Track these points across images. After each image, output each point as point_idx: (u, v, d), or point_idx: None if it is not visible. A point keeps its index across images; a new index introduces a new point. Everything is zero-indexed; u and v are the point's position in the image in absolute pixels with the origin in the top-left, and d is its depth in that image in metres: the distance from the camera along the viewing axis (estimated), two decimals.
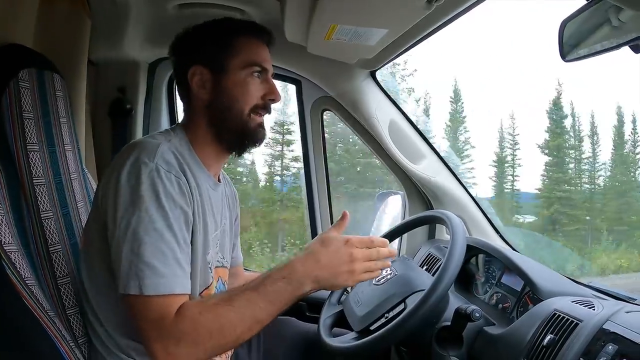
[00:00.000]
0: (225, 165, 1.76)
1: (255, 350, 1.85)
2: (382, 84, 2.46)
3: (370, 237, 1.49)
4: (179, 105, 2.38)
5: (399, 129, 2.44)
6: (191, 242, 1.42)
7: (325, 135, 2.67)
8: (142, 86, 2.52)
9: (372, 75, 2.42)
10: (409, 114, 2.48)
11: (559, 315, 1.40)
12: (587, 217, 23.76)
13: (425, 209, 2.60)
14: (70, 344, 1.33)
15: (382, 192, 2.87)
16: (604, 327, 1.28)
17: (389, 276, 1.71)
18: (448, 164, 2.49)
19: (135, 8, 2.08)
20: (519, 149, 25.24)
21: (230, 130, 1.56)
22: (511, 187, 25.12)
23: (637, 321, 1.23)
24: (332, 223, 2.70)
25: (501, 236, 2.44)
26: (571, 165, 25.41)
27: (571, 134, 25.72)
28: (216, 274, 1.62)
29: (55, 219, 1.55)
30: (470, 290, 2.05)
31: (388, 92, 2.46)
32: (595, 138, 25.22)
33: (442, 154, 2.50)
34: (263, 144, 1.66)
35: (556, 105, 25.97)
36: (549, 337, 1.35)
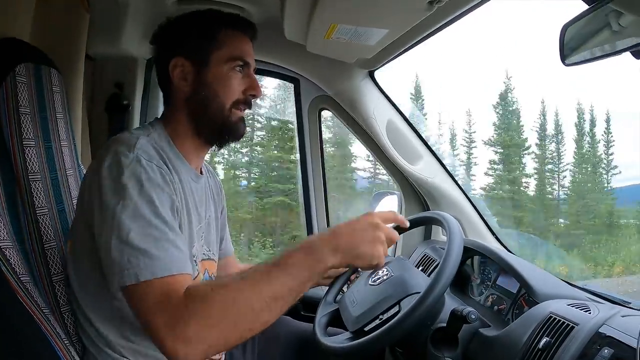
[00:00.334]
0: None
1: (250, 350, 1.85)
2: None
3: (393, 213, 1.53)
4: None
5: (396, 129, 2.45)
6: None
7: None
8: (140, 82, 2.52)
9: (371, 75, 2.42)
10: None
11: (555, 318, 1.40)
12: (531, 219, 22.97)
13: (422, 210, 2.61)
14: (65, 342, 1.32)
15: (379, 192, 2.87)
16: (600, 330, 1.28)
17: (384, 277, 1.71)
18: (445, 165, 2.48)
19: (133, 4, 2.07)
20: (475, 147, 24.01)
21: (210, 124, 1.54)
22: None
23: (633, 325, 1.22)
24: (327, 221, 2.71)
25: (497, 238, 2.44)
26: (527, 165, 24.27)
27: (524, 131, 24.69)
28: (202, 266, 1.61)
29: (50, 215, 1.54)
30: (466, 292, 2.05)
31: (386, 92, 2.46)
32: (560, 137, 24.35)
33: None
34: None
35: (503, 99, 24.69)
36: (544, 340, 1.35)
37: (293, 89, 2.65)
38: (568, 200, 23.59)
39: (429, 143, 2.49)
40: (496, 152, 23.58)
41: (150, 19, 2.20)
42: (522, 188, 23.52)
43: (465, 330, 1.58)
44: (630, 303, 1.60)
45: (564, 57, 1.25)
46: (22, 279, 1.29)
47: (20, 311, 1.25)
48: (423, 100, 24.63)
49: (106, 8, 2.10)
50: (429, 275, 1.72)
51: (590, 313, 1.38)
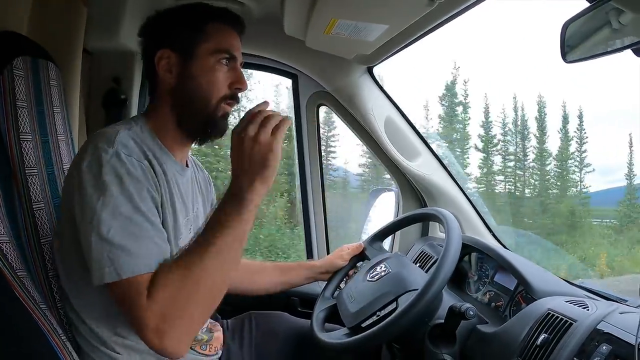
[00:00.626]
0: None
1: (247, 345, 1.84)
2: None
3: (246, 114, 1.40)
4: None
5: (395, 125, 2.45)
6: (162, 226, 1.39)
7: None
8: (137, 77, 2.50)
9: (370, 71, 2.42)
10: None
11: (553, 315, 1.41)
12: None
13: (419, 207, 2.61)
14: (62, 337, 1.32)
15: (376, 188, 2.87)
16: (598, 327, 1.28)
17: (383, 273, 1.71)
18: (443, 162, 2.49)
19: None
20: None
21: (194, 117, 1.52)
22: None
23: (631, 322, 1.23)
24: (325, 216, 2.72)
25: (494, 235, 2.44)
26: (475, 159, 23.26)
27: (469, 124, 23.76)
28: None
29: (46, 210, 1.54)
30: (463, 289, 2.05)
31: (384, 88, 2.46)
32: (514, 130, 23.70)
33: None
34: None
35: (449, 90, 23.82)
36: (542, 336, 1.36)
37: (291, 85, 2.64)
38: (527, 199, 23.26)
39: (426, 139, 2.49)
40: (440, 146, 22.12)
41: (148, 13, 2.19)
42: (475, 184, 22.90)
43: (462, 327, 1.58)
44: (627, 301, 1.61)
45: (564, 54, 1.25)
46: (18, 274, 1.29)
47: (17, 306, 1.24)
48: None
49: (104, 2, 2.09)
50: (426, 272, 1.72)
51: (588, 310, 1.39)
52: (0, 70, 1.47)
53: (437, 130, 23.54)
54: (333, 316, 1.82)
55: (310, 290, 2.36)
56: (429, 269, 1.58)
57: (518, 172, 23.50)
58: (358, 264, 2.07)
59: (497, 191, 23.31)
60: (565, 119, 24.00)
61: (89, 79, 2.43)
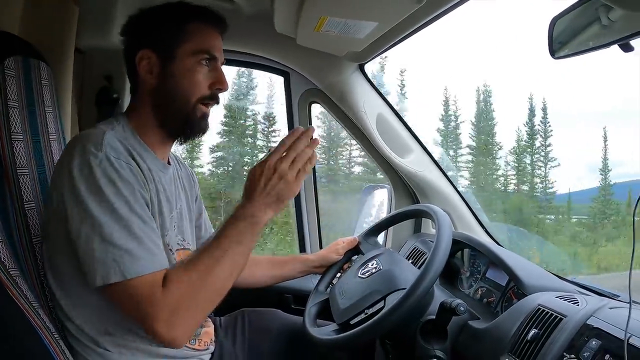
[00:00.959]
0: None
1: (240, 342, 1.84)
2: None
3: (280, 143, 1.46)
4: None
5: (386, 122, 2.45)
6: None
7: None
8: None
9: (361, 68, 2.42)
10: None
11: (543, 310, 1.41)
12: None
13: (411, 203, 2.61)
14: (55, 335, 1.32)
15: (369, 185, 2.88)
16: (587, 322, 1.29)
17: (374, 270, 1.72)
18: (435, 158, 2.49)
19: None
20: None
21: (174, 118, 1.53)
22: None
23: (620, 317, 1.24)
24: (318, 214, 2.72)
25: (486, 231, 2.45)
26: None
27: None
28: (178, 256, 1.61)
29: (38, 210, 1.53)
30: (455, 285, 2.06)
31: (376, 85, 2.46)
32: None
33: None
34: None
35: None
36: (533, 331, 1.37)
37: (283, 82, 2.64)
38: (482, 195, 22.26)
39: (418, 136, 2.50)
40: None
41: None
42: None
43: (454, 323, 1.59)
44: (619, 296, 1.62)
45: (552, 50, 1.26)
46: (11, 272, 1.29)
47: (10, 305, 1.24)
48: None
49: (96, 1, 2.09)
50: (419, 268, 1.73)
51: (578, 305, 1.40)
52: None
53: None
54: (326, 311, 1.82)
55: (304, 287, 2.36)
56: (421, 266, 1.58)
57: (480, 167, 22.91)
58: (353, 258, 2.07)
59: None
60: (532, 112, 23.39)
61: (81, 78, 2.44)
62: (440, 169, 2.50)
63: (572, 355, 1.24)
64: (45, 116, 1.64)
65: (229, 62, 2.57)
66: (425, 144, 2.50)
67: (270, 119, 17.49)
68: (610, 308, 1.36)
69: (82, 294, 1.40)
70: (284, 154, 1.44)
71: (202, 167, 16.82)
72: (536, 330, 1.36)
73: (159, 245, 1.37)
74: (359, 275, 1.74)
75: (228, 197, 15.21)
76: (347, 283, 1.78)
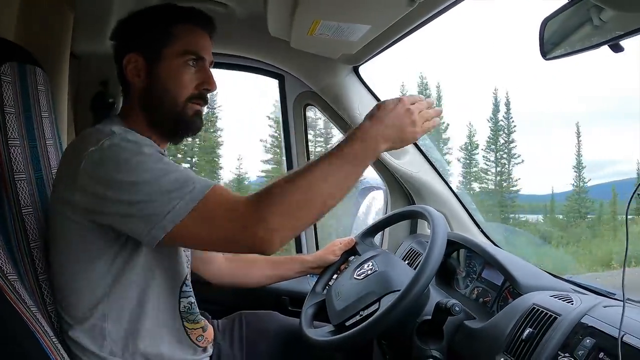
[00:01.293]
0: None
1: (238, 344, 1.85)
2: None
3: (417, 96, 1.53)
4: None
5: None
6: None
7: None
8: None
9: (355, 70, 2.43)
10: None
11: (538, 310, 1.42)
12: None
13: (407, 204, 2.61)
14: (53, 339, 1.32)
15: (365, 187, 2.88)
16: (581, 321, 1.30)
17: (369, 272, 1.73)
18: (430, 159, 2.50)
19: (118, 1, 2.06)
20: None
21: (165, 119, 1.54)
22: None
23: (614, 315, 1.24)
24: None
25: (482, 231, 2.46)
26: None
27: None
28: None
29: (35, 214, 1.53)
30: (452, 285, 2.06)
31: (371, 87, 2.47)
32: None
33: None
34: None
35: None
36: (527, 331, 1.37)
37: (278, 85, 2.65)
38: None
39: None
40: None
41: None
42: None
43: (450, 323, 1.60)
44: (615, 294, 1.62)
45: (544, 52, 1.26)
46: (9, 277, 1.29)
47: (8, 309, 1.25)
48: None
49: (91, 5, 2.09)
50: (415, 269, 1.74)
51: (572, 304, 1.40)
52: None
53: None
54: (322, 312, 1.83)
55: (301, 289, 2.36)
56: (417, 267, 1.59)
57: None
58: (350, 259, 2.08)
59: None
60: (496, 107, 23.40)
61: (77, 83, 2.44)
62: (436, 170, 2.50)
63: (567, 354, 1.24)
64: (42, 121, 1.64)
65: (224, 66, 2.59)
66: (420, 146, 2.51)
67: None
68: (605, 306, 1.37)
69: (87, 302, 1.42)
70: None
71: None
72: (531, 330, 1.37)
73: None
74: (355, 276, 1.75)
75: None
76: (343, 284, 1.78)
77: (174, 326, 1.56)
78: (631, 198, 1.21)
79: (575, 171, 22.22)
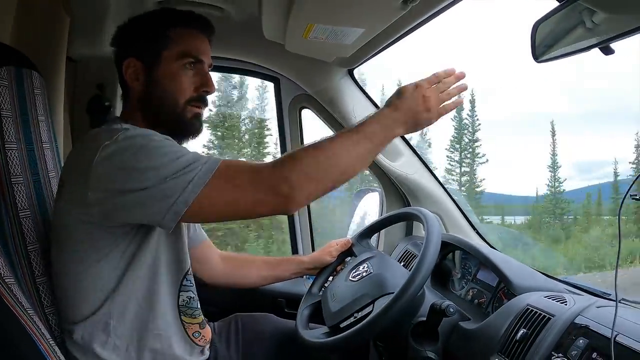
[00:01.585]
0: None
1: (234, 347, 1.85)
2: None
3: (434, 74, 1.55)
4: None
5: None
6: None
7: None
8: None
9: (350, 73, 2.44)
10: None
11: (532, 310, 1.43)
12: None
13: (402, 206, 2.62)
14: (50, 342, 1.33)
15: (361, 189, 2.89)
16: (575, 321, 1.31)
17: (364, 274, 1.73)
18: (425, 161, 2.51)
19: (114, 5, 2.06)
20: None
21: (165, 122, 1.54)
22: None
23: (607, 316, 1.25)
24: (310, 220, 2.73)
25: (478, 233, 2.47)
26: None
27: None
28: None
29: (33, 217, 1.54)
30: (447, 286, 2.07)
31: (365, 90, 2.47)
32: None
33: None
34: None
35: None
36: (521, 331, 1.38)
37: (273, 88, 2.65)
38: None
39: (408, 140, 2.51)
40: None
41: None
42: None
43: (445, 324, 1.61)
44: (609, 294, 1.63)
45: (535, 55, 1.27)
46: (7, 281, 1.29)
47: (5, 312, 1.25)
48: None
49: (87, 9, 2.09)
50: (410, 270, 1.75)
51: (566, 305, 1.41)
52: None
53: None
54: (318, 313, 1.83)
55: (297, 291, 2.37)
56: (412, 268, 1.60)
57: None
58: (346, 259, 2.08)
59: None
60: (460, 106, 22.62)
61: (73, 87, 2.43)
62: (431, 172, 2.51)
63: (560, 354, 1.25)
64: (38, 125, 1.64)
65: (220, 69, 2.60)
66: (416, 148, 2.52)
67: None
68: (598, 307, 1.38)
69: (96, 293, 1.44)
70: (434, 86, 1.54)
71: None
72: (525, 330, 1.38)
73: None
74: (350, 278, 1.76)
75: None
76: (339, 286, 1.79)
77: (171, 318, 1.57)
78: (623, 199, 1.22)
79: (550, 171, 21.93)
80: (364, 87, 2.47)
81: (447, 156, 22.21)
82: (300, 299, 1.97)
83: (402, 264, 2.21)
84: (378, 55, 2.14)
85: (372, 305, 1.59)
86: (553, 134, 22.10)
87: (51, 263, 1.51)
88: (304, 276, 2.17)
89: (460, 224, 2.48)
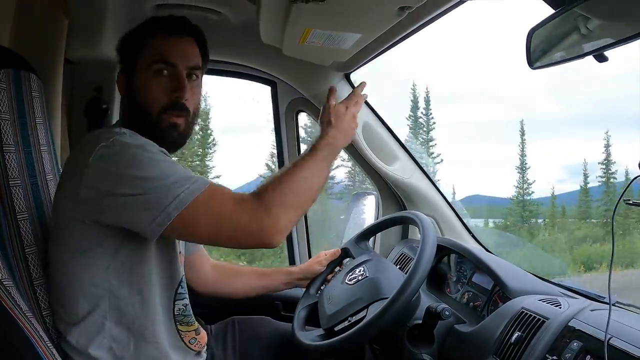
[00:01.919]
0: None
1: (231, 350, 1.86)
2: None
3: (353, 93, 1.80)
4: None
5: (372, 131, 2.46)
6: None
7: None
8: None
9: (347, 77, 2.45)
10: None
11: (526, 313, 1.44)
12: None
13: (399, 210, 2.63)
14: (48, 345, 1.33)
15: (357, 192, 2.90)
16: (569, 324, 1.32)
17: (360, 277, 1.74)
18: (421, 165, 2.52)
19: (113, 7, 2.07)
20: None
21: (145, 131, 1.52)
22: None
23: (601, 319, 1.26)
24: (306, 222, 2.74)
25: (473, 236, 2.48)
26: None
27: None
28: (180, 260, 1.68)
29: (30, 220, 1.54)
30: (443, 289, 2.08)
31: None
32: None
33: None
34: None
35: None
36: (516, 334, 1.40)
37: (270, 92, 2.66)
38: None
39: (404, 144, 2.52)
40: None
41: (129, 23, 2.18)
42: None
43: (441, 327, 1.62)
44: (604, 298, 1.63)
45: (530, 61, 1.28)
46: (4, 283, 1.29)
47: (3, 314, 1.25)
48: None
49: (86, 12, 2.09)
50: (406, 273, 1.76)
51: (560, 308, 1.43)
52: None
53: None
54: (315, 315, 1.84)
55: (294, 294, 2.37)
56: (408, 272, 1.61)
57: None
58: (345, 261, 2.09)
59: None
60: (415, 105, 22.44)
61: (71, 89, 2.43)
62: (427, 176, 2.52)
63: (555, 357, 1.26)
64: (36, 127, 1.65)
65: (216, 72, 2.60)
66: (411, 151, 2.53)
67: None
68: (592, 310, 1.39)
69: (92, 292, 1.45)
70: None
71: None
72: (519, 333, 1.39)
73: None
74: (347, 281, 1.76)
75: None
76: (334, 289, 1.80)
77: (167, 329, 1.58)
78: (617, 204, 1.23)
79: (518, 172, 21.63)
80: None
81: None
82: (297, 302, 1.98)
83: (398, 266, 2.21)
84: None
85: (366, 309, 1.60)
86: (522, 133, 21.76)
87: (48, 263, 1.52)
88: None
89: (456, 227, 2.49)
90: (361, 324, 1.52)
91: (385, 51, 2.03)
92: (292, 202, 1.46)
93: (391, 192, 2.63)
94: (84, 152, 1.39)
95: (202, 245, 1.99)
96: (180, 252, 1.68)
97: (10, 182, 1.49)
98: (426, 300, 1.68)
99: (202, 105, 1.70)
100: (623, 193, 1.23)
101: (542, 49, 1.27)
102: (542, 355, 1.29)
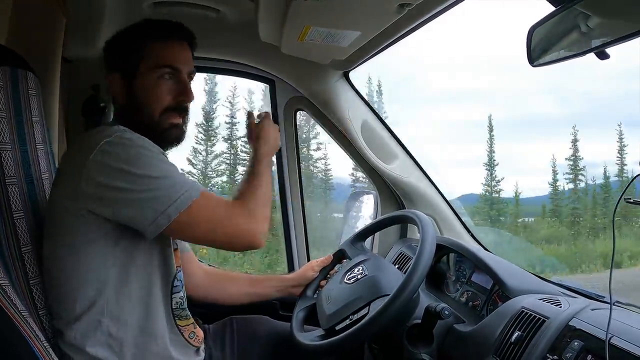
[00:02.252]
0: None
1: (229, 349, 1.85)
2: None
3: (267, 112, 1.89)
4: None
5: (371, 129, 2.47)
6: None
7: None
8: None
9: (346, 76, 2.44)
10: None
11: (526, 313, 1.44)
12: None
13: (397, 209, 2.62)
14: (44, 344, 1.32)
15: (355, 191, 2.89)
16: (570, 324, 1.32)
17: (359, 276, 1.73)
18: (420, 164, 2.51)
19: (110, 6, 2.06)
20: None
21: (145, 130, 1.54)
22: None
23: (602, 318, 1.26)
24: (304, 221, 2.73)
25: (472, 235, 2.47)
26: None
27: None
28: (176, 256, 1.68)
29: (27, 219, 1.53)
30: (442, 289, 2.08)
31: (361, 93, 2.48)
32: None
33: None
34: None
35: None
36: (516, 334, 1.39)
37: (268, 90, 2.66)
38: None
39: (402, 143, 2.52)
40: None
41: (127, 21, 2.18)
42: None
43: (440, 326, 1.61)
44: (604, 297, 1.63)
45: (531, 59, 1.27)
46: (1, 282, 1.29)
47: (0, 314, 1.25)
48: None
49: (83, 10, 2.08)
50: (405, 273, 1.75)
51: (561, 307, 1.42)
52: None
53: None
54: (313, 316, 1.83)
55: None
56: (407, 271, 1.60)
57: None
58: (343, 261, 2.08)
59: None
60: (370, 98, 20.14)
61: (69, 87, 2.43)
62: (426, 175, 2.52)
63: (555, 357, 1.26)
64: (33, 126, 1.64)
65: (214, 70, 2.59)
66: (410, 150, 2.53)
67: None
68: (592, 309, 1.39)
69: (90, 288, 1.46)
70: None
71: None
72: (520, 333, 1.39)
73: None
74: (345, 280, 1.76)
75: None
76: (333, 288, 1.79)
77: (166, 323, 1.58)
78: (617, 203, 1.23)
79: (486, 169, 20.88)
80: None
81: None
82: (294, 301, 1.97)
83: (396, 266, 2.21)
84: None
85: (367, 307, 1.60)
86: (490, 129, 21.36)
87: (44, 261, 1.51)
88: None
89: (455, 226, 2.49)
90: (364, 321, 1.52)
91: (384, 49, 2.02)
92: (266, 205, 1.60)
93: (390, 191, 2.62)
94: (85, 148, 1.40)
95: (188, 249, 2.00)
96: (176, 248, 1.68)
97: (6, 181, 1.49)
98: (425, 300, 1.67)
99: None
100: (624, 192, 1.22)
101: (542, 46, 1.26)
102: (543, 354, 1.29)
